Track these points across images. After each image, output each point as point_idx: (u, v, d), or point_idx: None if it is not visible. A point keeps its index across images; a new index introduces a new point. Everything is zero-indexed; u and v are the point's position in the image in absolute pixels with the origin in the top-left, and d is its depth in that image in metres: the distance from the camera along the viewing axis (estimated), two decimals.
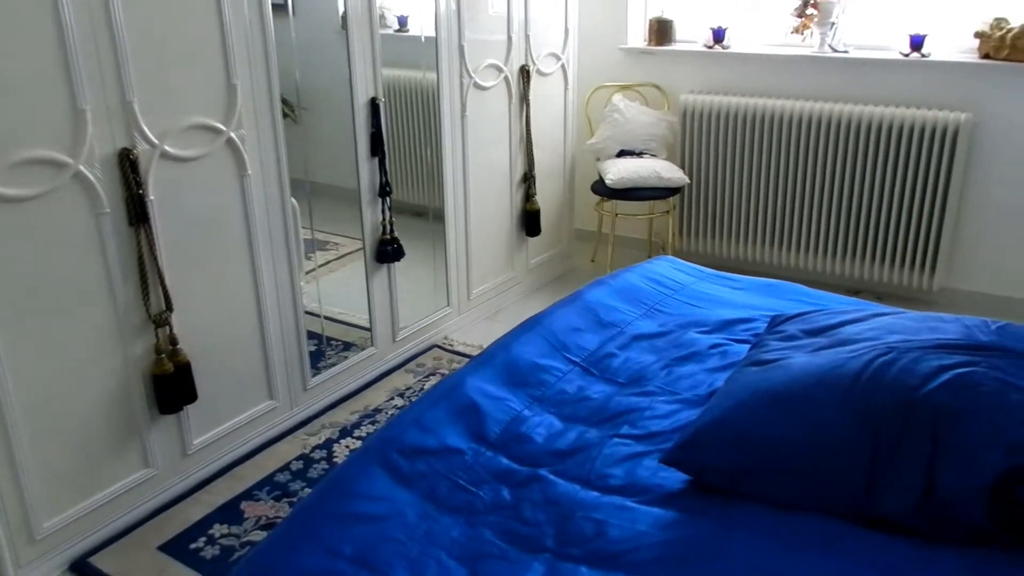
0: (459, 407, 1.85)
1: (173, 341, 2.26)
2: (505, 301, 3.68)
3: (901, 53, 3.39)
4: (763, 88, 3.68)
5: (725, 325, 2.27)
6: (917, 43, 3.35)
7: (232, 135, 2.33)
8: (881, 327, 1.82)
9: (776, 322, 2.05)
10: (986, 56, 3.25)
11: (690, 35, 3.95)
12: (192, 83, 2.21)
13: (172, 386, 2.25)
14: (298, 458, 2.59)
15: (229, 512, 2.34)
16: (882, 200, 3.46)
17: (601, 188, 3.73)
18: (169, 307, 2.22)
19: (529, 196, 3.63)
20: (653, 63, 3.95)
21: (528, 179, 3.60)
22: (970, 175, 3.36)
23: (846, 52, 3.50)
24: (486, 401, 1.88)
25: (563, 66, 3.70)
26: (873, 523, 1.51)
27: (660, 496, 1.61)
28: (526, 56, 3.44)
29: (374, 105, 2.81)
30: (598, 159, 3.88)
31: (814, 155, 3.55)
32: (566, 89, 3.76)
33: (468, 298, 3.48)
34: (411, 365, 3.18)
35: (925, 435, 1.50)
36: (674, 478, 1.66)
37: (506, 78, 3.36)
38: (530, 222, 3.65)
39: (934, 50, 3.36)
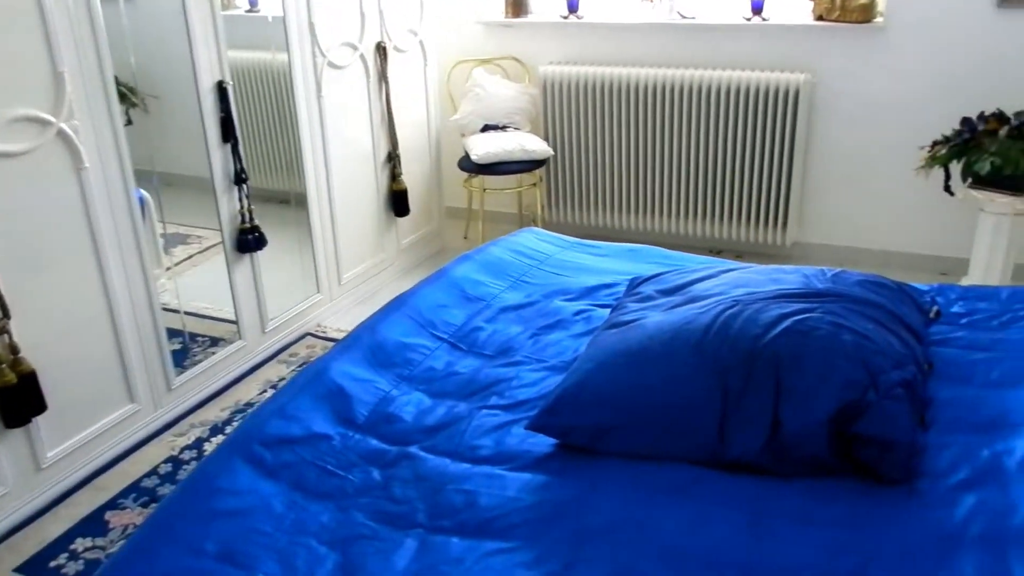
0: (324, 393, 1.82)
1: (14, 350, 2.11)
2: (378, 284, 3.64)
3: (743, 17, 3.54)
4: (618, 57, 3.76)
5: (589, 292, 2.33)
6: (757, 7, 3.51)
7: (63, 126, 2.19)
8: (729, 282, 1.91)
9: (634, 284, 2.12)
10: (820, 18, 3.44)
11: (546, 6, 3.98)
12: (12, 72, 2.06)
13: (16, 398, 2.11)
14: (166, 461, 2.49)
15: (93, 524, 2.23)
16: (735, 162, 3.62)
17: (468, 164, 3.73)
18: (6, 314, 2.08)
19: (395, 176, 3.58)
20: (511, 36, 3.96)
21: (393, 158, 3.56)
22: (812, 133, 3.55)
23: (693, 18, 3.62)
24: (352, 384, 1.86)
25: (421, 42, 3.66)
26: (728, 466, 1.59)
27: (529, 462, 1.64)
28: (381, 33, 3.39)
29: (221, 89, 2.70)
30: (463, 135, 3.88)
31: (669, 121, 3.66)
32: (425, 65, 3.72)
33: (339, 283, 3.42)
34: (284, 355, 3.10)
35: (769, 380, 1.59)
36: (542, 443, 1.69)
37: (362, 56, 3.30)
38: (398, 202, 3.61)
39: (773, 14, 3.53)
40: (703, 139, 3.63)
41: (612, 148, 3.82)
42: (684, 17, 3.64)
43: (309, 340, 3.21)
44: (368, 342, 2.01)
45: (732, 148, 3.60)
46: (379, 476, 1.63)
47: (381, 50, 3.39)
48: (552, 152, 3.77)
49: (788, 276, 1.90)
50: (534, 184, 3.91)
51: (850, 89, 3.44)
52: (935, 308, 2.06)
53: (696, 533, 1.44)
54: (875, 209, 3.60)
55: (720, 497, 1.52)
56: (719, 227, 3.76)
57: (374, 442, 1.72)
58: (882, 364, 1.59)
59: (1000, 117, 2.95)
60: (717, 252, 3.86)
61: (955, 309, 2.15)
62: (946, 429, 1.66)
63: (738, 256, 3.80)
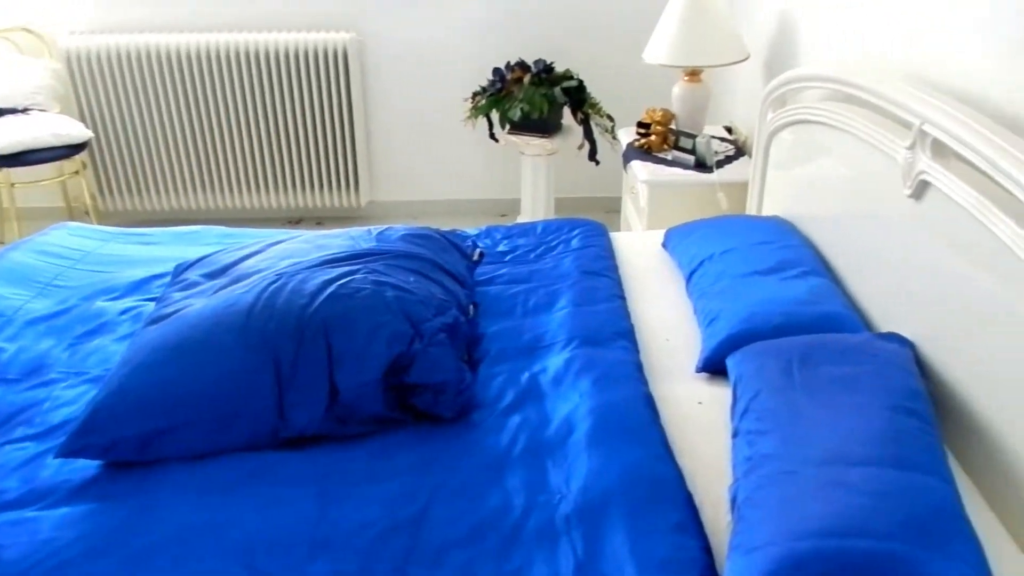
0: None
1: None
2: None
3: None
4: (151, 22, 3.43)
5: (137, 286, 2.10)
6: None
7: None
8: (276, 255, 1.85)
9: (179, 271, 1.96)
10: None
11: None
12: None
13: None
14: None
15: None
16: (296, 127, 3.54)
17: None
18: None
19: None
20: (17, 2, 3.40)
21: None
22: (368, 92, 3.61)
23: None
24: None
25: None
26: (294, 442, 1.55)
27: (67, 493, 1.45)
28: None
29: None
30: None
31: (221, 89, 3.46)
32: None
33: None
34: None
35: (320, 348, 1.58)
36: (84, 468, 1.50)
37: None
38: None
39: None
40: (259, 106, 3.49)
41: (164, 123, 3.51)
42: None
43: None
44: None
45: (290, 113, 3.51)
46: None
47: None
48: (92, 134, 3.35)
49: (334, 241, 1.90)
50: (77, 172, 3.46)
51: (396, 46, 3.54)
52: (478, 250, 2.22)
53: (266, 520, 1.39)
54: (438, 161, 3.79)
55: (288, 477, 1.49)
56: (293, 196, 3.69)
57: None
58: (424, 313, 1.66)
59: (523, 66, 3.26)
60: (297, 221, 3.79)
61: (501, 248, 2.34)
62: (494, 361, 1.80)
63: (318, 222, 3.77)
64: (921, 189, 1.59)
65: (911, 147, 1.61)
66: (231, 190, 3.66)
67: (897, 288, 1.72)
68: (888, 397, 1.41)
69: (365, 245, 1.87)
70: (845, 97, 1.95)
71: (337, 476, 1.48)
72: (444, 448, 1.56)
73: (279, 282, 1.66)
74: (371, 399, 1.56)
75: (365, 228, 2.00)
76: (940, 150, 1.53)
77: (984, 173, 1.38)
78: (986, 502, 1.41)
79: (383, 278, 1.71)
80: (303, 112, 3.51)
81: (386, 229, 1.99)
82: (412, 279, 1.75)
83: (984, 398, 1.44)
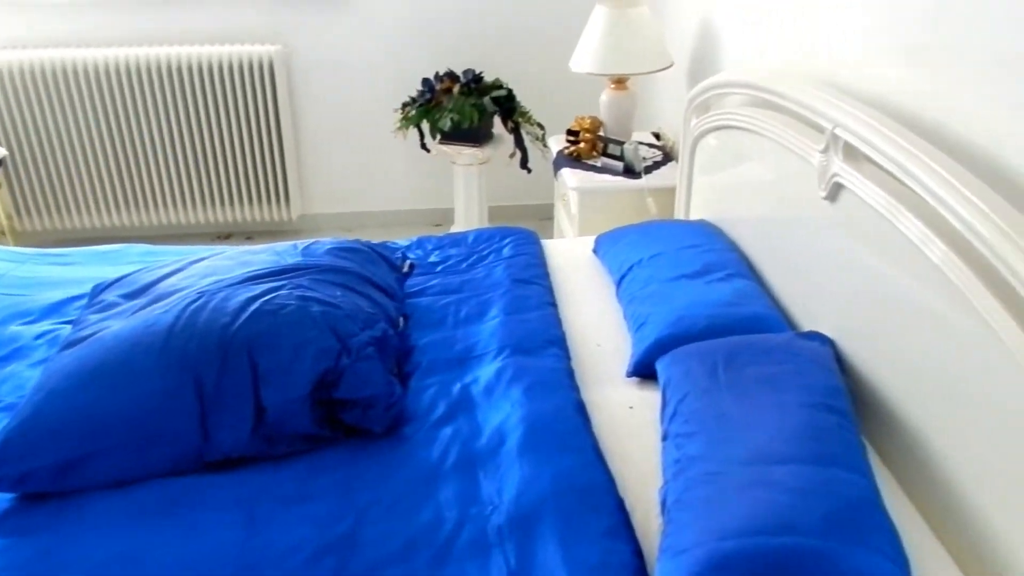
0: None
1: None
2: None
3: None
4: (69, 36, 3.33)
5: (54, 308, 2.02)
6: None
7: None
8: (197, 273, 1.81)
9: (96, 292, 1.90)
10: None
11: None
12: None
13: None
14: None
15: None
16: (222, 141, 3.47)
17: None
18: None
19: None
20: None
21: None
22: (296, 104, 3.56)
23: None
24: None
25: None
26: (220, 465, 1.52)
27: None
28: None
29: None
30: None
31: (144, 103, 3.36)
32: None
33: None
34: None
35: (244, 366, 1.54)
36: None
37: None
38: None
39: None
40: (183, 120, 3.41)
41: (84, 139, 3.40)
42: None
43: None
44: None
45: (216, 127, 3.44)
46: None
47: None
48: (6, 152, 3.23)
49: (258, 257, 1.86)
50: None
51: (325, 57, 3.50)
52: (408, 262, 2.20)
53: (190, 547, 1.35)
54: (371, 172, 3.75)
55: (214, 501, 1.45)
56: (221, 211, 3.61)
57: None
58: (351, 328, 1.64)
59: (452, 76, 3.25)
60: (226, 236, 3.72)
61: (432, 259, 2.33)
62: (425, 373, 1.78)
63: (248, 237, 3.70)
64: (835, 191, 1.64)
65: (825, 151, 1.65)
66: (156, 206, 3.57)
67: (817, 287, 1.77)
68: (809, 395, 1.44)
69: (290, 260, 1.84)
70: (763, 102, 1.99)
71: (265, 498, 1.45)
72: (375, 464, 1.54)
73: (200, 300, 1.62)
74: (299, 416, 1.53)
75: (291, 243, 1.97)
76: (851, 153, 1.57)
77: (892, 175, 1.43)
78: (905, 494, 1.45)
79: (309, 293, 1.68)
80: (230, 125, 3.45)
81: (312, 243, 1.96)
82: (339, 293, 1.72)
83: (900, 392, 1.48)
